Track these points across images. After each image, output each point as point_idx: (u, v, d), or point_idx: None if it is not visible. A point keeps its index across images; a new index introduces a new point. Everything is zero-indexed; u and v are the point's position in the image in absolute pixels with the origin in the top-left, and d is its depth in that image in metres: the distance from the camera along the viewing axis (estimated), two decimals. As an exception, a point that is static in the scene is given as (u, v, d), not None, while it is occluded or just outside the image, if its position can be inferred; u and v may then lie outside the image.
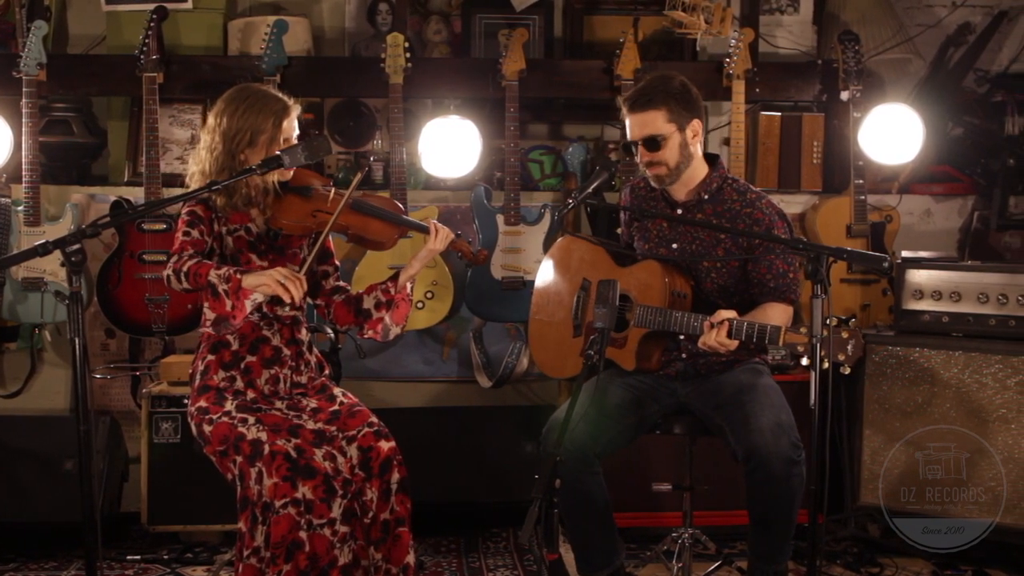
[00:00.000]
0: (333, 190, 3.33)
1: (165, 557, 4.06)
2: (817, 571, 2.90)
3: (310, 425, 3.19)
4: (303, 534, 2.98)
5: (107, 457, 4.19)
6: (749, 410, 3.24)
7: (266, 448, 3.02)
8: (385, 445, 3.17)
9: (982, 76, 5.10)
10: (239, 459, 3.04)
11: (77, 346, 2.66)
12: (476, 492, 4.32)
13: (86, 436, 2.71)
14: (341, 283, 3.47)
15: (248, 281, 3.05)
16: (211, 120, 3.27)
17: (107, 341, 4.62)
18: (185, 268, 3.08)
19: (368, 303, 3.37)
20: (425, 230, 3.37)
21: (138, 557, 4.05)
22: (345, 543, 3.04)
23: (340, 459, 3.12)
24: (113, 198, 4.39)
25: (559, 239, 3.73)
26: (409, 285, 3.38)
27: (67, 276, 2.70)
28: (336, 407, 3.28)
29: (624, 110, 3.44)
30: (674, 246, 3.47)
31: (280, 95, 3.30)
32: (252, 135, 3.21)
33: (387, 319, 3.35)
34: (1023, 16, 5.11)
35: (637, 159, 3.43)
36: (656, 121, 3.36)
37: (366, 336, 3.39)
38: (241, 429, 3.07)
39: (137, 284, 4.29)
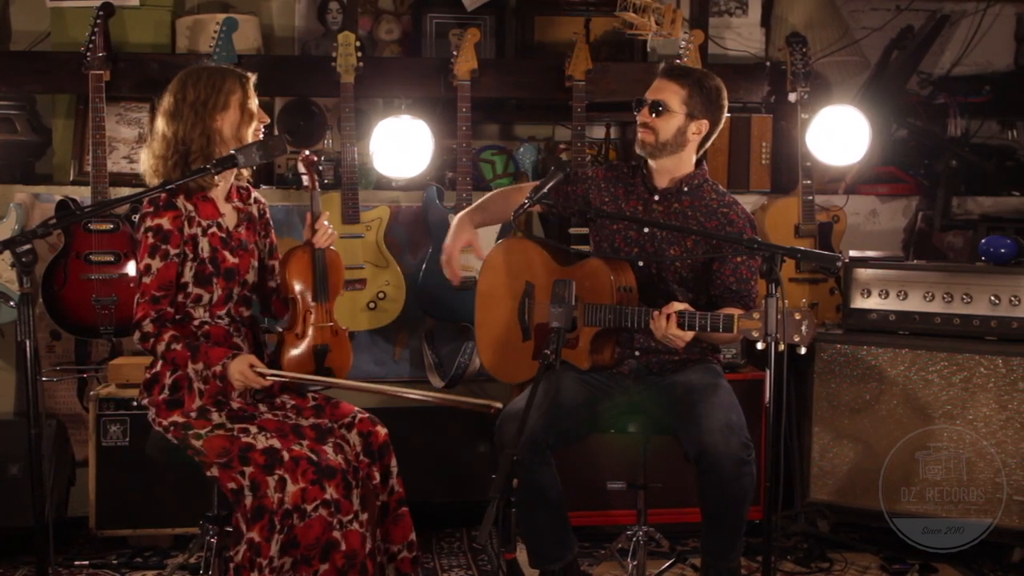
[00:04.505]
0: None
1: (114, 562, 4.00)
2: (772, 568, 2.92)
3: (304, 422, 3.20)
4: (336, 534, 3.00)
5: (54, 461, 4.10)
6: (700, 410, 3.27)
7: (285, 455, 2.99)
8: (382, 430, 3.23)
9: (925, 79, 5.19)
10: (249, 469, 2.96)
11: (28, 348, 2.61)
12: (430, 492, 4.30)
13: (37, 440, 2.66)
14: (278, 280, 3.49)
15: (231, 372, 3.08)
16: (168, 101, 3.18)
17: (53, 343, 4.54)
18: (160, 349, 3.08)
19: None
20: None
21: (86, 562, 3.98)
22: (370, 530, 3.08)
23: (347, 448, 3.15)
24: (58, 198, 4.30)
25: (499, 241, 3.73)
26: None
27: (17, 277, 2.64)
28: (311, 402, 3.31)
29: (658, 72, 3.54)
30: (645, 230, 3.50)
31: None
32: (225, 96, 3.15)
33: None
34: (964, 20, 5.20)
35: (636, 115, 3.49)
36: (673, 95, 3.45)
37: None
38: (246, 439, 3.02)
39: (83, 285, 4.22)
